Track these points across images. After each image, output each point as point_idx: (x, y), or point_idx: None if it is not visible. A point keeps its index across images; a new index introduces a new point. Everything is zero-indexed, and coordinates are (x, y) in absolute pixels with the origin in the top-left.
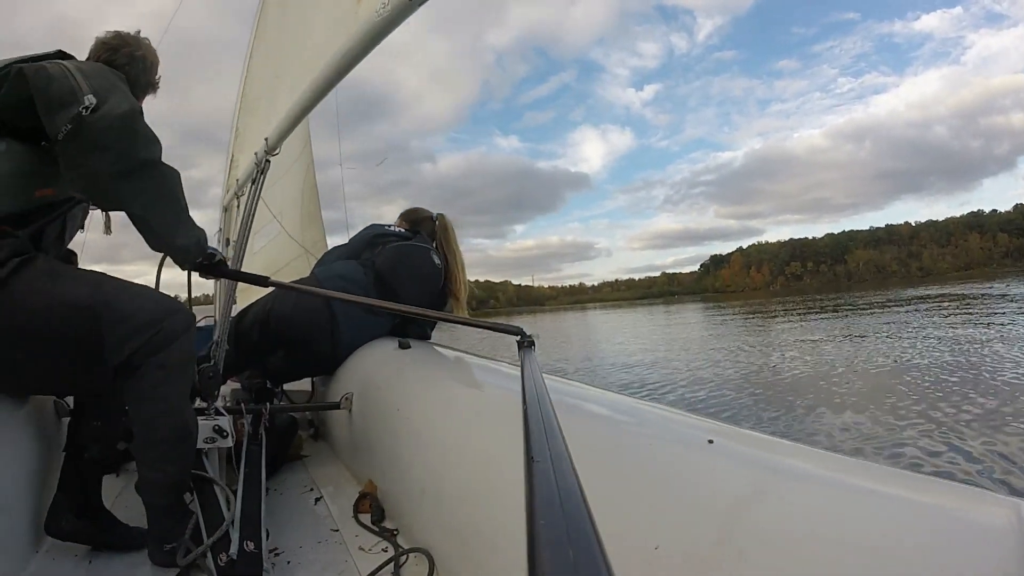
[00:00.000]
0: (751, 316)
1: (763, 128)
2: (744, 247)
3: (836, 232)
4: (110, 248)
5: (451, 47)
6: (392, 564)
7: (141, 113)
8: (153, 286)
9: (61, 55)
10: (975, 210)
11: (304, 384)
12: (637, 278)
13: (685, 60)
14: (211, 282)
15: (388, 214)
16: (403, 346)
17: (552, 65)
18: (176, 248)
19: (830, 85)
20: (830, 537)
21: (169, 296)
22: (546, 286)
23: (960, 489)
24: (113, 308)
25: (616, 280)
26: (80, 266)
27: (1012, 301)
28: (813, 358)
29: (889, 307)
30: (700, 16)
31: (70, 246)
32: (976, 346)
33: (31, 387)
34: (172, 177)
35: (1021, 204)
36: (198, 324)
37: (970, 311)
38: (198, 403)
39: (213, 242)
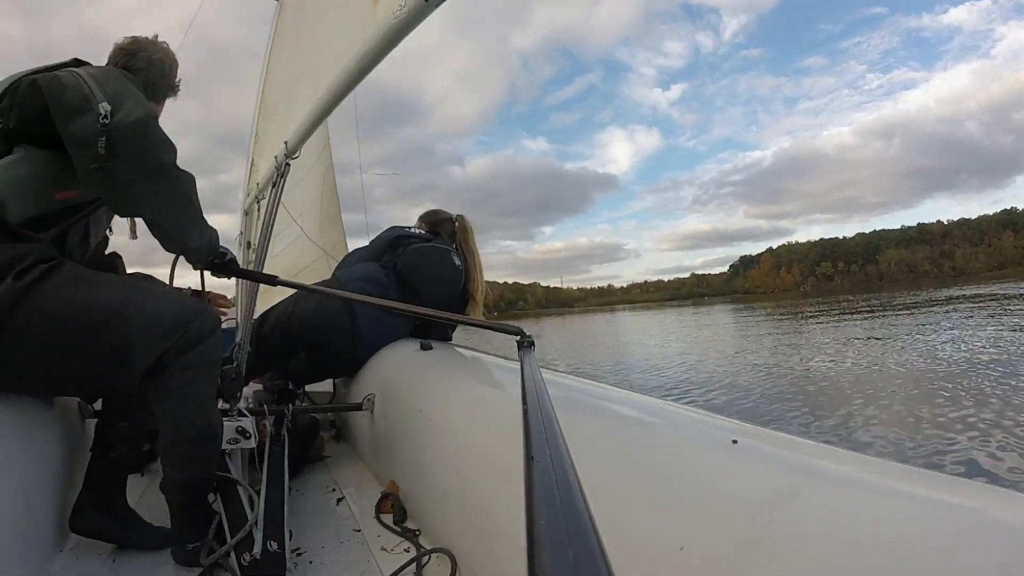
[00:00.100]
0: (784, 318)
1: (791, 126)
2: (774, 247)
3: (867, 231)
4: (144, 252)
5: (476, 50)
6: (414, 564)
7: (155, 118)
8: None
9: (77, 63)
10: (1008, 207)
11: (326, 385)
12: (666, 279)
13: (711, 59)
14: (233, 285)
15: (416, 217)
16: (425, 347)
17: (578, 66)
18: (190, 250)
19: (858, 81)
20: (859, 539)
21: (195, 298)
22: (574, 288)
23: (991, 491)
24: (141, 312)
25: (645, 281)
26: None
27: None
28: (854, 362)
29: (927, 308)
30: (725, 14)
31: (113, 248)
32: (1018, 347)
33: (58, 390)
34: (186, 181)
35: None
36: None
37: (1010, 310)
38: (221, 404)
39: (234, 245)
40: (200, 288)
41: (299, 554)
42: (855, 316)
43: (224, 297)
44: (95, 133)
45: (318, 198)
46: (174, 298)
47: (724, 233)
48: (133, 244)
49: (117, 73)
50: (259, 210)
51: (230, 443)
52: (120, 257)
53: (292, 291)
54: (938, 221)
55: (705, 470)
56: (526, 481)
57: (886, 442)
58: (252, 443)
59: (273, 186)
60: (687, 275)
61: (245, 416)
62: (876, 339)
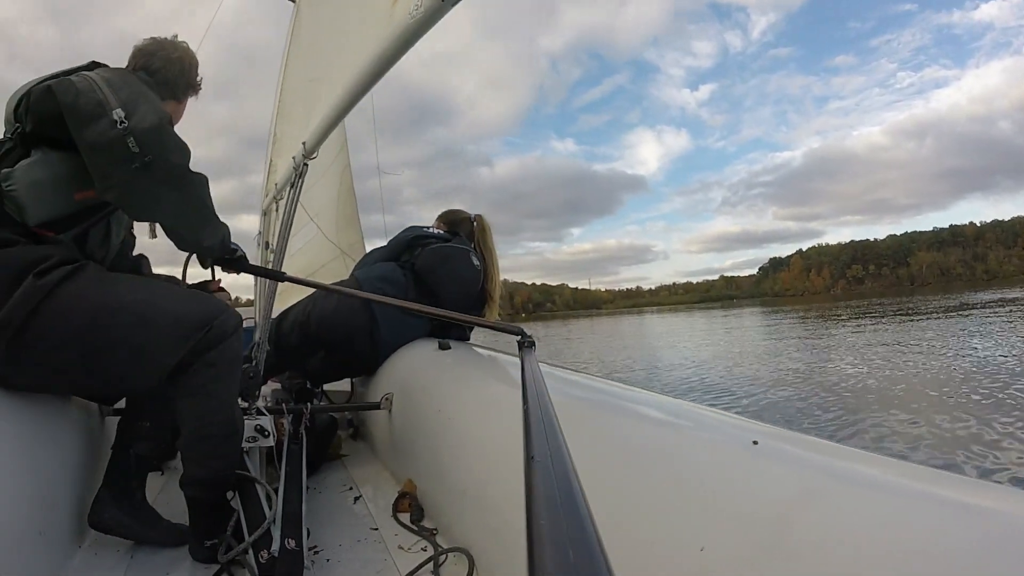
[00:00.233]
0: (819, 324)
1: (821, 126)
2: (804, 249)
3: (898, 233)
4: (172, 251)
5: (505, 53)
6: (431, 563)
7: (170, 122)
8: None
9: (93, 65)
10: None
11: (343, 384)
12: (695, 281)
13: (740, 58)
14: (251, 285)
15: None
16: (443, 347)
17: (606, 67)
18: (204, 248)
19: (889, 80)
20: (881, 542)
21: (216, 297)
22: (603, 289)
23: (1016, 493)
24: (164, 312)
25: (674, 283)
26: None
27: None
28: (894, 370)
29: (966, 311)
30: (754, 13)
31: (140, 250)
32: None
33: (80, 390)
34: (199, 183)
35: None
36: None
37: None
38: (240, 403)
39: (252, 245)
40: (202, 282)
41: (316, 552)
42: (897, 319)
43: (223, 289)
44: (118, 136)
45: (335, 198)
46: (196, 298)
47: (753, 235)
48: (158, 243)
49: (132, 77)
50: (277, 210)
51: (248, 441)
52: (146, 258)
53: (312, 291)
54: (971, 223)
55: (726, 470)
56: (526, 481)
57: (917, 449)
58: (271, 441)
59: (291, 186)
60: (716, 277)
61: (264, 415)
62: (914, 346)
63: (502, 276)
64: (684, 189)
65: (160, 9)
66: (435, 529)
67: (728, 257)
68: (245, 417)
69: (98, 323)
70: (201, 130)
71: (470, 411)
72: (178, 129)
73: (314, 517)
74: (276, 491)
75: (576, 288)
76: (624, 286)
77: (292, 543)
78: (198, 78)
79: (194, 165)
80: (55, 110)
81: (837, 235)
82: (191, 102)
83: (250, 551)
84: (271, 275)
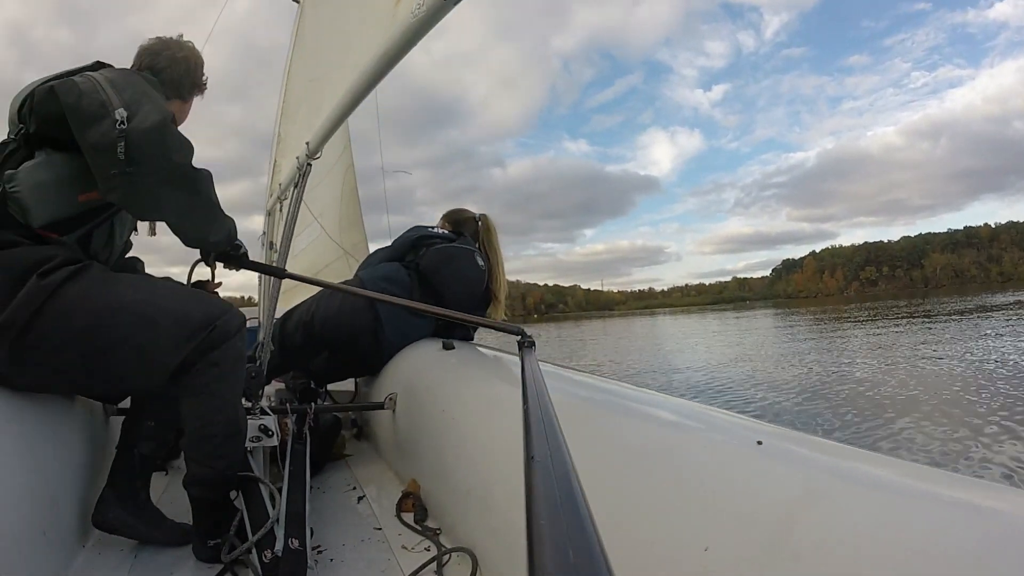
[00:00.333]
0: (836, 328)
1: (835, 127)
2: (817, 251)
3: (912, 235)
4: (187, 252)
5: (518, 54)
6: (435, 563)
7: (173, 120)
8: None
9: (98, 65)
10: None
11: (347, 384)
12: (708, 283)
13: (753, 59)
14: (255, 285)
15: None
16: (447, 347)
17: (618, 68)
18: (209, 244)
19: (903, 80)
20: (884, 541)
21: (219, 297)
22: (615, 290)
23: (1017, 493)
24: (167, 312)
25: (686, 285)
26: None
27: None
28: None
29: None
30: (766, 13)
31: (136, 252)
32: None
33: (85, 390)
34: (203, 180)
35: None
36: None
37: None
38: (243, 403)
39: (256, 244)
40: (197, 281)
41: (320, 552)
42: (917, 321)
43: (216, 292)
44: (113, 139)
45: (339, 198)
46: (199, 298)
47: (767, 236)
48: (162, 241)
49: (136, 77)
50: (281, 210)
51: (252, 441)
52: (141, 261)
53: (315, 291)
54: (985, 224)
55: (730, 470)
56: (526, 481)
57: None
58: (274, 441)
59: (295, 186)
60: (729, 279)
61: (268, 414)
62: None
63: (515, 277)
64: (697, 190)
65: (174, 11)
66: (439, 529)
67: (741, 258)
68: (249, 417)
69: (101, 323)
70: (216, 131)
71: (474, 411)
72: (189, 129)
73: (318, 517)
74: (280, 491)
75: (588, 289)
76: (636, 287)
77: (296, 543)
78: (204, 78)
79: (209, 165)
80: (58, 111)
81: (851, 236)
82: (204, 103)
83: (254, 551)
84: (272, 272)
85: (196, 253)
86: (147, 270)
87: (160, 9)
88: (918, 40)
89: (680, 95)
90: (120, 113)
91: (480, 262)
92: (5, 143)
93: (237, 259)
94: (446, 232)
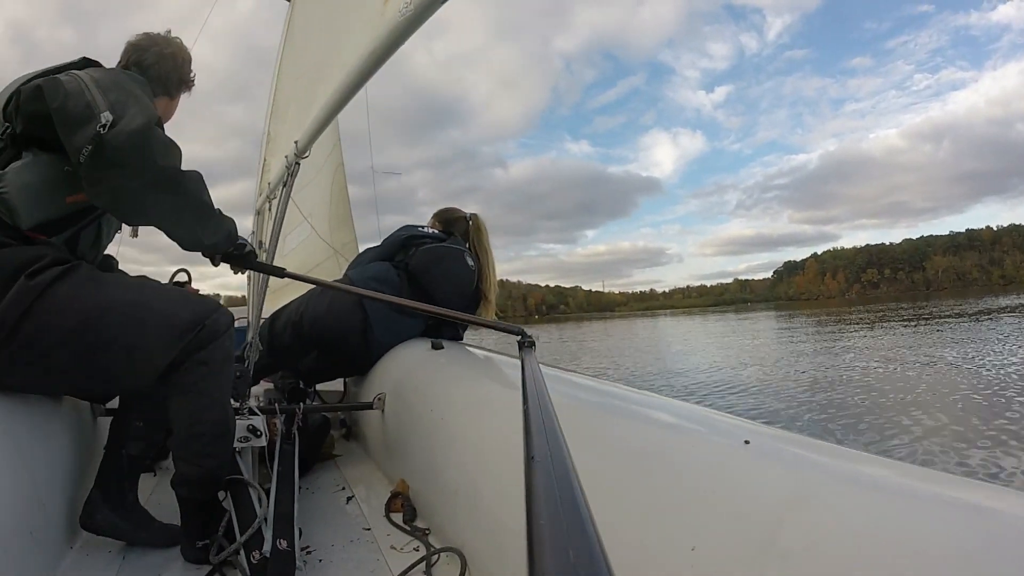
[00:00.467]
0: (840, 330)
1: (837, 129)
2: (819, 253)
3: (914, 237)
4: (187, 252)
5: (519, 54)
6: (424, 563)
7: (158, 121)
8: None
9: (85, 63)
10: None
11: (336, 384)
12: (709, 285)
13: (756, 60)
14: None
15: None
16: (436, 347)
17: (621, 69)
18: (206, 246)
19: (906, 82)
20: (873, 541)
21: (208, 297)
22: (616, 292)
23: (1009, 493)
24: (156, 311)
25: (687, 287)
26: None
27: None
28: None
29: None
30: (769, 14)
31: (136, 252)
32: None
33: (73, 390)
34: (192, 181)
35: None
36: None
37: None
38: (231, 403)
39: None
40: (176, 282)
41: (309, 552)
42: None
43: (196, 291)
44: (98, 143)
45: (328, 197)
46: (188, 297)
47: (768, 238)
48: (141, 241)
49: (123, 77)
50: (270, 209)
51: (240, 441)
52: (115, 260)
53: (303, 291)
54: (987, 227)
55: (717, 470)
56: (526, 481)
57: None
58: (263, 441)
59: (283, 185)
60: (730, 280)
61: (256, 414)
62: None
63: (516, 277)
64: (699, 191)
65: (176, 10)
66: (428, 529)
67: (742, 260)
68: (237, 417)
69: (90, 323)
70: (217, 131)
71: (463, 411)
72: (190, 129)
73: (306, 517)
74: (268, 491)
75: (590, 290)
76: (637, 289)
77: (284, 543)
78: (191, 74)
79: (210, 165)
80: (44, 111)
81: (853, 239)
82: (205, 103)
83: (242, 552)
84: (276, 272)
85: (198, 254)
86: (145, 270)
87: (162, 9)
88: (921, 42)
89: (683, 96)
90: (106, 116)
91: (470, 262)
92: None
93: (242, 259)
94: (436, 232)
